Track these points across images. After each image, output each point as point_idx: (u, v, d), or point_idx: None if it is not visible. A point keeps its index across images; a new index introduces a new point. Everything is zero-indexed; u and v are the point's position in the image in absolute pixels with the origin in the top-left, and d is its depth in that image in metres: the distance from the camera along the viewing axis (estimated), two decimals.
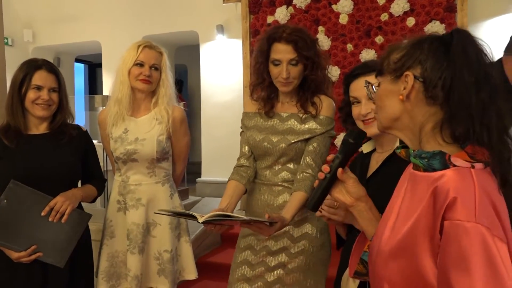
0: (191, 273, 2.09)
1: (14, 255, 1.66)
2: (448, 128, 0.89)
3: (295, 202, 1.58)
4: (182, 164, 2.18)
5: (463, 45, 0.88)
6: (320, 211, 1.30)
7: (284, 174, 1.73)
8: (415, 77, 0.90)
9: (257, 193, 1.77)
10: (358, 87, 1.41)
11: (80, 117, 7.89)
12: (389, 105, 0.96)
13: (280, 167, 1.73)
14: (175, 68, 6.62)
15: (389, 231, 0.93)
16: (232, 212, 1.56)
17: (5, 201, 1.64)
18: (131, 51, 1.98)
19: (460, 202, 0.80)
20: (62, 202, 1.70)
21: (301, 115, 1.72)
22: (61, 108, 1.86)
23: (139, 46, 1.97)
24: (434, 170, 0.88)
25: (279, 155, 1.71)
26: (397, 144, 1.35)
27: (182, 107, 2.17)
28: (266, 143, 1.72)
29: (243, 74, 4.40)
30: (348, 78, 1.47)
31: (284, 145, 1.69)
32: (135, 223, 1.97)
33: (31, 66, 1.78)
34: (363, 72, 1.41)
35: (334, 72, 4.09)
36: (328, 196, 1.30)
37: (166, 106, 2.01)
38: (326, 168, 1.08)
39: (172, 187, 2.10)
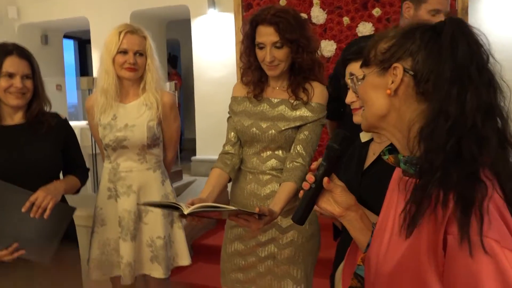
0: (184, 259, 2.09)
1: None
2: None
3: (284, 193, 1.51)
4: (173, 149, 2.15)
5: (452, 35, 0.77)
6: None
7: (273, 162, 1.66)
8: (405, 69, 0.81)
9: (243, 181, 1.70)
10: (347, 73, 1.35)
11: (72, 96, 7.75)
12: (375, 101, 0.86)
13: (268, 154, 1.66)
14: (167, 43, 6.45)
15: (385, 248, 0.83)
16: (213, 203, 1.49)
17: None
18: (113, 37, 1.89)
19: None
20: (44, 197, 1.61)
21: (292, 101, 1.64)
22: (37, 95, 1.75)
23: (120, 32, 1.89)
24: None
25: (268, 142, 1.64)
26: None
27: (172, 91, 2.11)
28: (254, 129, 1.65)
29: (236, 50, 4.26)
30: (343, 61, 1.39)
31: (273, 131, 1.62)
32: (127, 210, 1.95)
33: (0, 52, 1.66)
34: (354, 57, 1.33)
35: (329, 47, 3.97)
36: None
37: (154, 92, 1.97)
38: (310, 177, 0.98)
39: (164, 173, 2.07)
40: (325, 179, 0.97)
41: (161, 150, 2.07)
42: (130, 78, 1.93)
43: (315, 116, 1.62)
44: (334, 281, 1.33)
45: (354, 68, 1.30)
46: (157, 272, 1.99)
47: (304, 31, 1.59)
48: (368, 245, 0.95)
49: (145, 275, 2.06)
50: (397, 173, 0.92)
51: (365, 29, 3.89)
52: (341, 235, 1.43)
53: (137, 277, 2.04)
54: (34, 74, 1.72)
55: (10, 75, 1.65)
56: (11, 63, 1.66)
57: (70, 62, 8.70)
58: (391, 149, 0.91)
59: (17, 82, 1.66)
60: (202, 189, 1.61)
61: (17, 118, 1.74)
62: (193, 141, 5.60)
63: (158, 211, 1.97)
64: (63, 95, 7.29)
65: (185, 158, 5.96)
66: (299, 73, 1.62)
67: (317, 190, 0.99)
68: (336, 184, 1.00)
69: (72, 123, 2.75)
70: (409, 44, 0.82)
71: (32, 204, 1.60)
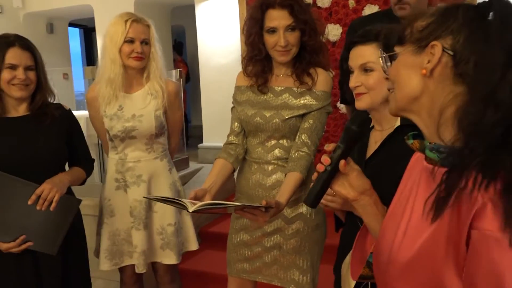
0: (192, 244, 2.12)
1: (3, 246, 1.60)
2: None
3: (290, 184, 1.49)
4: (176, 137, 2.17)
5: (502, 16, 0.72)
6: None
7: (277, 152, 1.64)
8: (444, 48, 0.76)
9: (248, 172, 1.69)
10: (352, 56, 1.29)
11: (79, 85, 7.75)
12: (408, 81, 0.81)
13: (272, 144, 1.64)
14: (172, 30, 6.40)
15: (401, 236, 0.80)
16: (216, 193, 1.49)
17: None
18: (118, 26, 1.87)
19: (491, 209, 0.67)
20: (49, 190, 1.62)
21: (295, 89, 1.61)
22: (40, 87, 1.74)
23: (126, 21, 1.87)
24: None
25: (272, 131, 1.62)
26: (398, 123, 1.24)
27: (177, 79, 2.10)
28: (258, 118, 1.63)
29: (241, 36, 4.21)
30: (349, 45, 1.34)
31: (277, 120, 1.60)
32: (137, 199, 1.96)
33: (2, 43, 1.65)
34: (360, 40, 1.28)
35: (335, 31, 3.91)
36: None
37: (159, 80, 1.96)
38: (326, 160, 0.95)
39: (170, 162, 2.09)
40: (342, 161, 0.94)
41: (166, 138, 2.07)
42: (137, 67, 1.92)
43: (319, 104, 1.59)
44: (341, 273, 1.32)
45: (360, 51, 1.27)
46: (169, 258, 2.02)
47: (311, 13, 1.58)
48: None
49: (153, 263, 2.08)
50: (415, 160, 0.89)
51: (371, 11, 3.82)
52: (344, 227, 1.41)
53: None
54: (37, 65, 1.72)
55: (13, 67, 1.65)
56: (14, 55, 1.65)
57: (76, 50, 8.70)
58: (416, 134, 0.87)
59: (20, 73, 1.65)
60: (205, 179, 1.60)
61: (21, 110, 1.74)
62: (200, 128, 5.59)
63: None
64: (70, 84, 7.29)
65: (192, 145, 5.96)
66: (305, 58, 1.60)
67: (332, 173, 0.96)
68: (352, 168, 0.97)
69: (80, 112, 2.73)
70: (450, 22, 0.77)
71: (38, 197, 1.61)
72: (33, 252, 1.66)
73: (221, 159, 1.65)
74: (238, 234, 1.74)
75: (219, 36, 5.08)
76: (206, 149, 5.22)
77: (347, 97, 1.55)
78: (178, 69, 4.19)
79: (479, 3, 0.77)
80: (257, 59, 1.63)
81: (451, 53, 0.75)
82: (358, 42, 1.29)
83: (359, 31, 1.34)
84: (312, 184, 1.00)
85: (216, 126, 5.08)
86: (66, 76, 6.88)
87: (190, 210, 1.18)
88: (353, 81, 1.27)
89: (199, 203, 1.20)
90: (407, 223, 0.81)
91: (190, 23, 6.45)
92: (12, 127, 1.69)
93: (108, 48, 1.90)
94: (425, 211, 0.74)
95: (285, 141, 1.63)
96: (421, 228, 0.76)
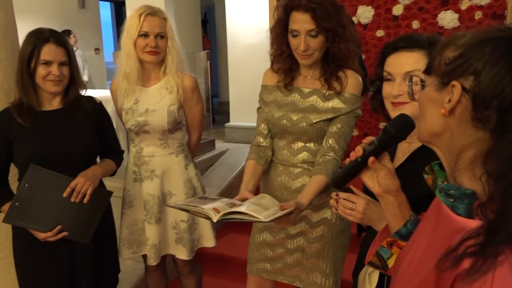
0: (209, 241, 2.12)
1: (41, 235, 1.70)
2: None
3: (314, 186, 1.50)
4: (197, 132, 2.13)
5: None
6: (336, 209, 1.23)
7: (304, 155, 1.63)
8: (463, 89, 0.69)
9: (273, 173, 1.70)
10: (395, 62, 1.22)
11: (110, 56, 7.81)
12: (430, 117, 0.77)
13: (299, 146, 1.64)
14: (201, 6, 6.36)
15: (404, 267, 0.82)
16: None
17: (27, 185, 1.65)
18: (133, 20, 1.87)
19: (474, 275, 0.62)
20: (83, 183, 1.70)
21: (324, 91, 1.58)
22: (73, 81, 1.79)
23: (140, 14, 1.86)
24: (459, 214, 0.70)
25: (299, 134, 1.61)
26: None
27: (203, 62, 2.07)
28: (285, 121, 1.62)
29: (269, 16, 4.15)
30: (387, 49, 1.26)
31: (304, 124, 1.58)
32: (151, 194, 1.99)
33: (38, 39, 1.70)
34: (406, 46, 1.20)
35: (367, 13, 3.81)
36: (346, 194, 1.22)
37: (175, 75, 1.94)
38: (358, 150, 0.97)
39: (187, 157, 2.08)
40: (371, 158, 0.95)
41: (184, 133, 2.06)
42: (152, 61, 1.92)
43: (348, 107, 1.56)
44: (358, 279, 1.34)
45: (405, 58, 1.20)
46: (181, 253, 2.05)
47: (341, 18, 1.51)
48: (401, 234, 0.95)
49: (172, 255, 2.12)
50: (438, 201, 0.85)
51: None
52: (365, 233, 1.42)
53: (166, 255, 2.13)
54: (70, 60, 1.76)
55: (48, 63, 1.69)
56: (48, 51, 1.69)
57: (107, 20, 8.75)
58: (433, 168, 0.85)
59: (54, 69, 1.70)
60: (243, 181, 1.61)
61: (55, 103, 1.80)
62: (227, 104, 5.61)
63: (181, 195, 2.01)
64: (101, 58, 7.43)
65: (219, 123, 6.01)
66: (333, 62, 1.56)
67: (362, 165, 0.98)
68: (383, 166, 0.97)
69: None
70: (475, 59, 0.69)
71: (72, 190, 1.69)
72: (68, 240, 1.76)
73: (253, 160, 1.66)
74: (261, 234, 1.76)
75: (248, 15, 5.02)
76: (232, 128, 5.26)
77: (376, 104, 1.47)
78: (206, 51, 4.18)
79: None
80: (282, 58, 1.61)
81: (470, 95, 0.69)
82: (402, 47, 1.21)
83: (400, 37, 1.26)
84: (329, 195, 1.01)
85: (243, 105, 5.09)
86: (97, 51, 6.99)
87: (215, 220, 1.20)
88: (397, 89, 1.20)
89: (222, 213, 1.22)
90: (412, 256, 0.80)
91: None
92: (47, 121, 1.76)
93: (124, 42, 1.92)
94: (439, 263, 0.68)
95: (312, 144, 1.62)
96: (420, 266, 0.74)
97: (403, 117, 0.94)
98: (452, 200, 0.71)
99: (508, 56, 0.67)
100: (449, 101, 0.71)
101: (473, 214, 0.69)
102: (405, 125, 0.93)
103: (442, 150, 0.78)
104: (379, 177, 0.97)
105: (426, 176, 0.85)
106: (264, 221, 1.22)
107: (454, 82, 0.71)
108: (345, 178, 1.01)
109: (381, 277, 1.23)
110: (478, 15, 3.32)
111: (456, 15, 3.41)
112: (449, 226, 0.71)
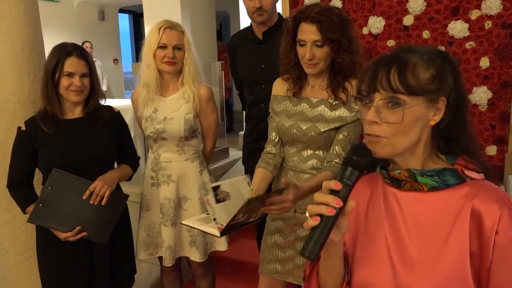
0: (222, 245, 2.20)
1: (61, 235, 1.81)
2: (438, 142, 0.89)
3: (319, 176, 1.57)
4: (211, 140, 2.23)
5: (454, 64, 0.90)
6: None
7: (313, 162, 1.71)
8: (448, 101, 0.87)
9: (284, 178, 1.76)
10: None
11: (128, 66, 8.04)
12: (415, 132, 0.86)
13: (309, 154, 1.71)
14: (216, 16, 6.50)
15: (403, 269, 0.87)
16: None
17: (49, 188, 1.76)
18: (153, 33, 2.00)
19: (509, 213, 0.79)
20: (101, 186, 1.81)
21: (331, 101, 1.65)
22: (93, 91, 1.92)
23: (160, 28, 1.99)
24: (448, 186, 0.84)
25: (309, 143, 1.69)
26: None
27: (218, 72, 2.16)
28: (294, 130, 1.69)
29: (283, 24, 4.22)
30: None
31: (313, 133, 1.66)
32: (167, 198, 2.09)
33: (62, 53, 1.83)
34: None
35: (378, 24, 3.87)
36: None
37: (191, 85, 2.06)
38: (338, 202, 0.79)
39: (202, 164, 2.17)
40: (352, 202, 0.81)
41: (199, 141, 2.17)
42: (170, 71, 2.04)
43: (354, 116, 1.62)
44: None
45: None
46: (195, 256, 2.14)
47: (347, 31, 1.57)
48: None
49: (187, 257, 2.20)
50: (379, 194, 0.97)
51: (416, 4, 3.74)
52: None
53: (181, 257, 2.22)
54: (91, 72, 1.89)
55: (70, 75, 1.82)
56: (71, 63, 1.82)
57: (125, 30, 8.97)
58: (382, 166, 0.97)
59: (76, 80, 1.83)
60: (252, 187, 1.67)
61: (77, 112, 1.92)
62: (242, 113, 5.71)
63: (196, 199, 2.11)
64: (119, 68, 7.64)
65: (236, 131, 6.13)
66: (339, 73, 1.62)
67: (337, 216, 0.80)
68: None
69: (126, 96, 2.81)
70: (447, 73, 0.87)
71: (91, 192, 1.80)
72: (87, 240, 1.87)
73: (262, 168, 1.74)
74: (272, 236, 1.83)
75: None
76: None
77: None
78: (221, 62, 4.29)
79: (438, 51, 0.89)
80: (290, 67, 1.69)
81: (447, 104, 0.87)
82: None
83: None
84: (312, 231, 0.80)
85: None
86: (116, 61, 7.20)
87: (220, 236, 1.29)
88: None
89: (223, 226, 1.31)
90: (402, 255, 0.88)
91: (235, 7, 6.52)
92: (69, 129, 1.88)
93: (145, 53, 2.04)
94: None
95: (321, 152, 1.69)
96: (437, 256, 0.83)
97: (360, 146, 0.86)
98: (437, 177, 0.85)
99: (448, 64, 0.90)
100: (434, 114, 0.86)
101: (463, 178, 0.84)
102: (368, 151, 0.85)
103: (404, 154, 0.89)
104: (345, 221, 0.83)
105: (398, 172, 0.90)
106: (244, 201, 1.27)
107: (443, 98, 0.85)
108: (323, 245, 0.80)
109: None
110: (488, 24, 3.34)
111: (466, 25, 3.44)
112: (448, 203, 0.84)
